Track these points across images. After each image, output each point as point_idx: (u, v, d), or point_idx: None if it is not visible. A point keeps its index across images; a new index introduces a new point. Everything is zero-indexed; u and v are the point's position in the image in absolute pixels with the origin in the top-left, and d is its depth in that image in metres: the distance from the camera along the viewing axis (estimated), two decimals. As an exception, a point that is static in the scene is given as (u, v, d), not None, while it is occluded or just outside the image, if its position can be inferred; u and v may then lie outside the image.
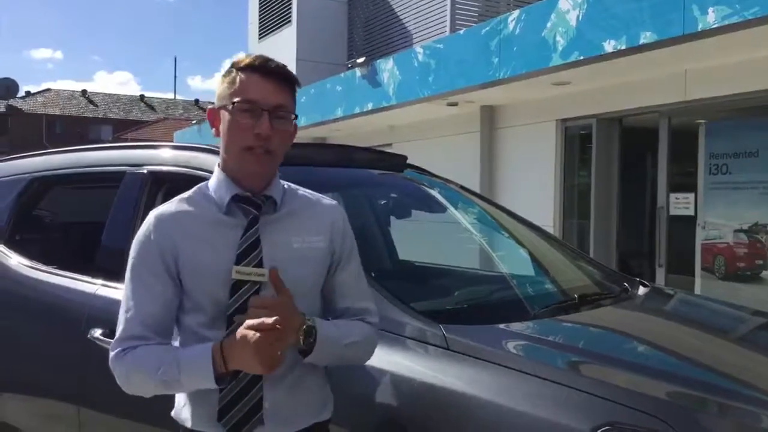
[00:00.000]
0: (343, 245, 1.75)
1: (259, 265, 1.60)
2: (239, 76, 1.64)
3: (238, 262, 1.60)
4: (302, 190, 1.78)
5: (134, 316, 1.63)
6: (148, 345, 1.61)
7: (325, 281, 1.75)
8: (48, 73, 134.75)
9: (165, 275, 1.64)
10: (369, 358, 1.81)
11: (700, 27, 5.16)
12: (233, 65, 1.67)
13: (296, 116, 1.69)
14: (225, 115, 1.64)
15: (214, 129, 1.70)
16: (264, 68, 1.63)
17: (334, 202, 1.82)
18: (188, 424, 1.67)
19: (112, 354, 1.63)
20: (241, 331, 1.49)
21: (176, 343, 1.68)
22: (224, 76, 1.67)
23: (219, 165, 1.72)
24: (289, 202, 1.72)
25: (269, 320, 1.47)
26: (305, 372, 1.68)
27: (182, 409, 1.69)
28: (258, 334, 1.46)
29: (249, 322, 1.49)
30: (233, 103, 1.62)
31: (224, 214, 1.66)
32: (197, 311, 1.65)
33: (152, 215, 1.69)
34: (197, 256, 1.63)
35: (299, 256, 1.66)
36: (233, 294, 1.60)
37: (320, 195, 1.81)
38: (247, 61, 1.65)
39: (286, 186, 1.75)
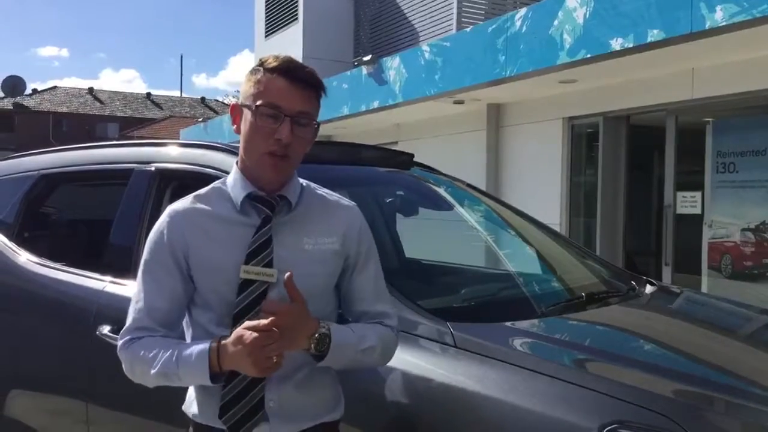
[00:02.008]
0: (359, 248, 1.73)
1: (269, 265, 1.60)
2: (266, 78, 1.60)
3: (247, 262, 1.59)
4: (321, 190, 1.76)
5: (143, 309, 1.65)
6: (153, 336, 1.63)
7: (342, 284, 1.74)
8: (54, 71, 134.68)
9: (175, 271, 1.65)
10: (386, 363, 1.78)
11: (707, 25, 5.15)
12: (261, 64, 1.63)
13: (318, 124, 1.66)
14: (247, 115, 1.62)
15: (234, 126, 1.67)
16: (291, 73, 1.60)
17: (352, 203, 1.78)
18: (197, 419, 1.68)
19: (119, 343, 1.66)
20: (238, 331, 1.50)
21: (188, 337, 1.69)
22: (251, 73, 1.64)
23: (237, 163, 1.71)
24: (305, 202, 1.70)
25: (265, 321, 1.47)
26: (315, 371, 1.67)
27: (192, 403, 1.70)
28: (254, 335, 1.46)
29: (247, 323, 1.49)
30: (257, 105, 1.59)
31: (238, 212, 1.66)
32: (206, 308, 1.66)
33: (166, 212, 1.70)
34: (207, 253, 1.63)
35: (310, 257, 1.65)
36: (241, 293, 1.59)
37: (339, 196, 1.78)
38: (276, 63, 1.61)
39: (304, 184, 1.73)
